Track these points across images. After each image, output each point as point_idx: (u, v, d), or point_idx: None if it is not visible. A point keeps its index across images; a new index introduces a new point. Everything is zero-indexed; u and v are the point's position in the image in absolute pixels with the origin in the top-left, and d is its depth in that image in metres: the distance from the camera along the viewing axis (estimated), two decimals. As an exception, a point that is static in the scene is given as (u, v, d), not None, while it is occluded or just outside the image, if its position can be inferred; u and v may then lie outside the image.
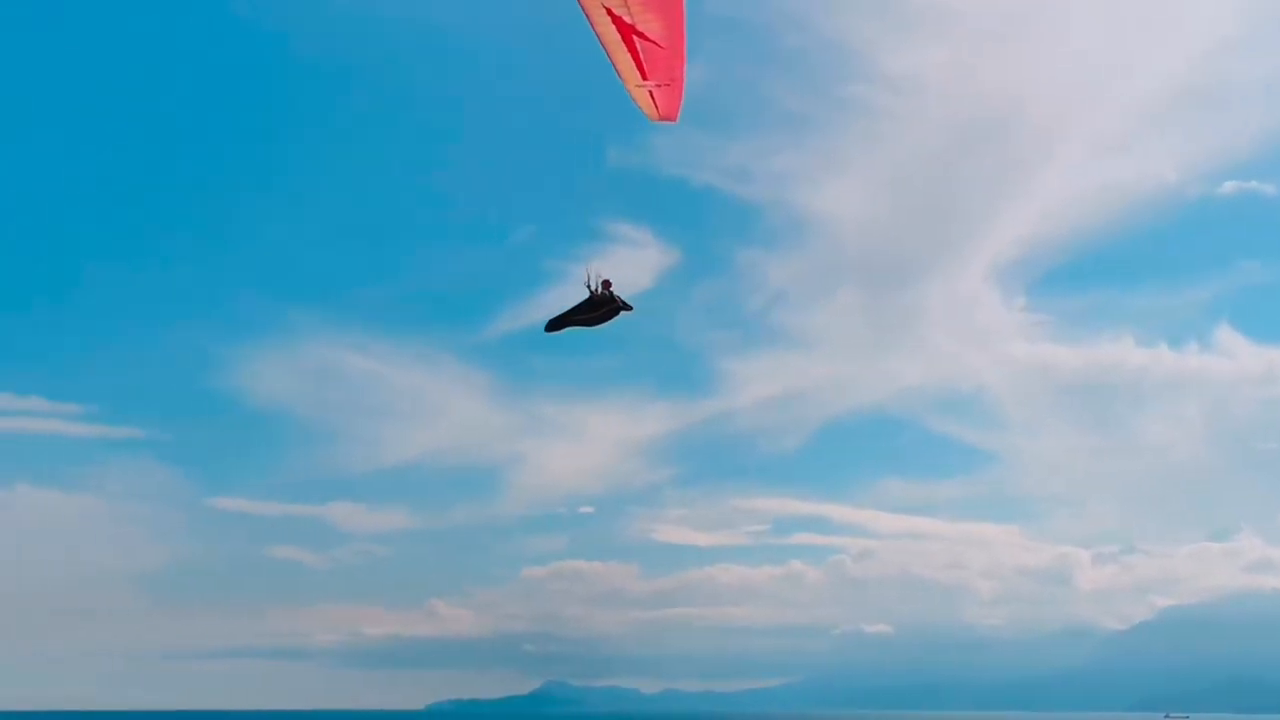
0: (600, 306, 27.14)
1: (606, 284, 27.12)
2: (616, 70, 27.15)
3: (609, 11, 26.16)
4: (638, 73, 26.99)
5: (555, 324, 27.39)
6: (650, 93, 27.31)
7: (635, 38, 26.72)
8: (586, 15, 26.22)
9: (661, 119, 27.76)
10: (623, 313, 27.66)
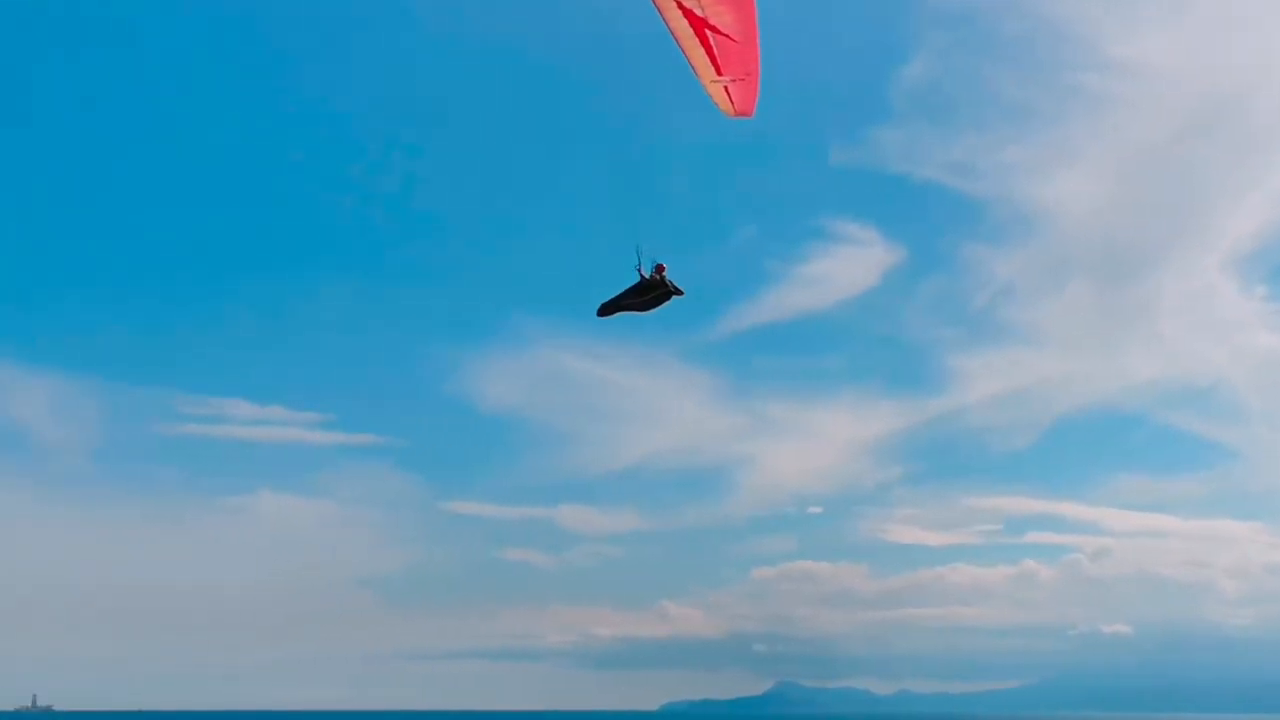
0: (650, 290, 26.41)
1: (660, 268, 26.41)
2: (691, 66, 26.26)
3: (679, 5, 25.29)
4: (713, 68, 26.04)
5: (607, 308, 26.77)
6: (726, 88, 26.34)
7: (708, 31, 25.78)
8: (658, 9, 25.39)
9: (738, 114, 26.76)
10: (674, 297, 26.98)
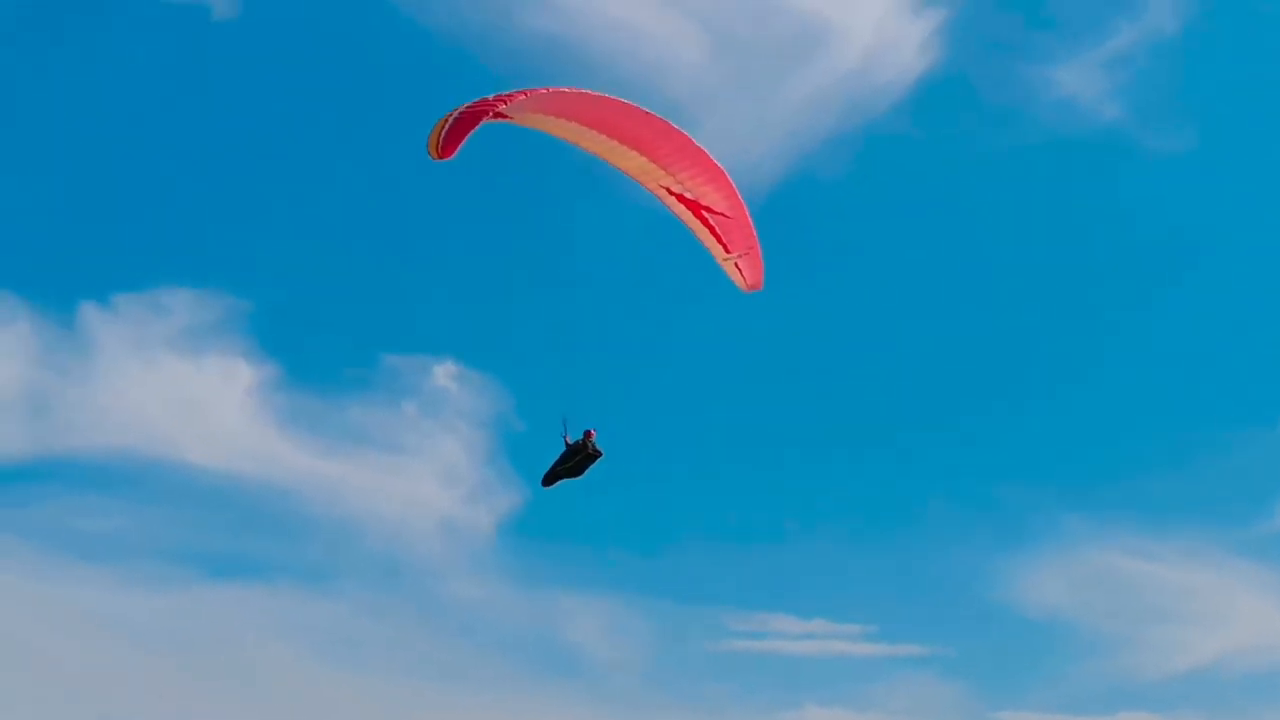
0: (575, 455, 27.35)
1: (588, 434, 27.34)
2: (706, 248, 27.59)
3: (669, 191, 26.80)
4: (721, 247, 27.19)
5: (548, 480, 27.71)
6: (736, 264, 27.44)
7: (704, 212, 27.11)
8: (660, 199, 26.96)
9: (749, 289, 27.70)
10: (597, 460, 27.73)
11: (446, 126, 23.07)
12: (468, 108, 23.36)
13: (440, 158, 23.06)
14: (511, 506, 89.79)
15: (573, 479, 26.93)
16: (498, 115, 23.79)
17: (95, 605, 77.61)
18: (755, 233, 26.94)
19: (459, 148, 22.95)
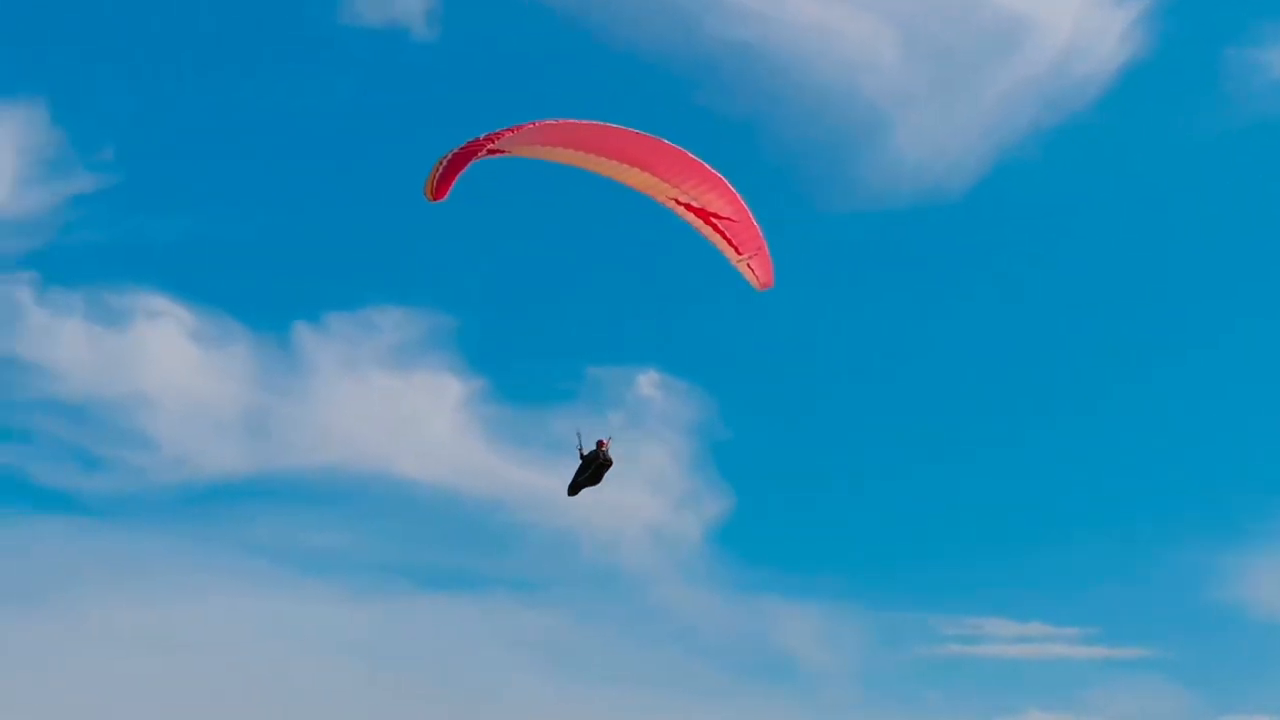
0: (590, 465, 29.15)
1: (600, 443, 29.10)
2: (721, 251, 29.27)
3: (678, 202, 28.50)
4: (734, 250, 28.89)
5: (572, 489, 29.58)
6: (749, 264, 29.10)
7: (713, 219, 28.74)
8: (673, 210, 28.69)
9: (762, 287, 29.32)
10: (610, 468, 29.47)
11: (440, 169, 25.23)
12: (459, 149, 25.48)
13: (434, 200, 25.19)
14: (719, 513, 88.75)
15: (592, 486, 28.94)
16: (491, 152, 25.84)
17: (316, 618, 77.66)
18: (762, 234, 28.58)
19: (451, 188, 25.12)
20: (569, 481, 29.05)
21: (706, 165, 27.79)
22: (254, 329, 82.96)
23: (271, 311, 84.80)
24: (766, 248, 28.78)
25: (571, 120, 26.83)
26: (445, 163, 25.34)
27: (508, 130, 25.84)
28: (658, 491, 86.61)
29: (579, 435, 28.75)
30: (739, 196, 28.08)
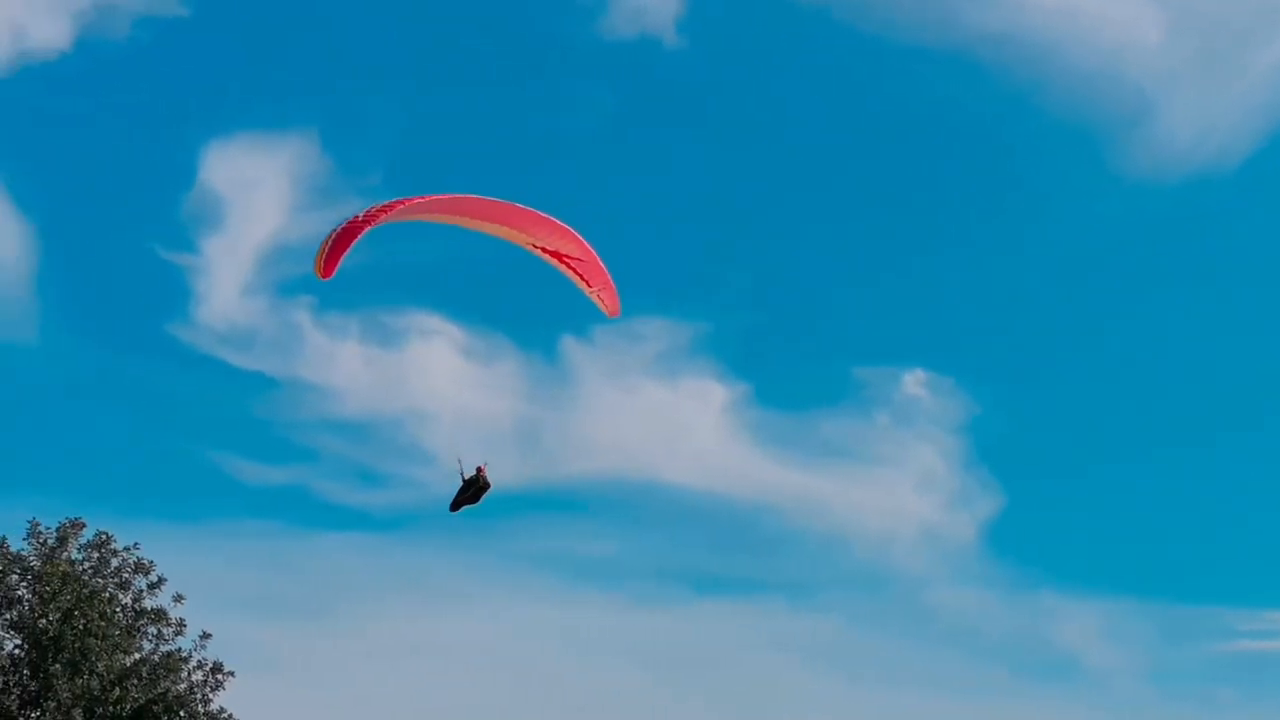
0: (470, 487, 33.25)
1: (480, 469, 32.86)
2: (575, 284, 34.40)
3: (534, 246, 33.55)
4: (585, 283, 34.03)
5: (454, 507, 33.59)
6: (598, 296, 34.24)
7: (565, 260, 33.79)
8: (532, 253, 33.83)
9: (611, 314, 34.41)
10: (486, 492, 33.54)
11: (327, 247, 29.97)
12: (342, 227, 30.23)
13: (323, 277, 30.00)
14: (992, 511, 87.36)
15: (472, 506, 33.58)
16: (370, 223, 30.65)
17: (594, 625, 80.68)
18: (607, 271, 33.92)
19: (339, 265, 29.95)
20: (451, 500, 33.58)
21: (556, 220, 33.03)
22: (521, 345, 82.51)
23: (538, 326, 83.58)
24: (612, 282, 34.14)
25: (441, 196, 31.89)
26: (331, 241, 30.10)
27: (383, 209, 30.74)
28: (928, 491, 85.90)
29: (460, 461, 32.75)
30: (585, 243, 33.36)
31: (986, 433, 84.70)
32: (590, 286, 34.09)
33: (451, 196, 32.24)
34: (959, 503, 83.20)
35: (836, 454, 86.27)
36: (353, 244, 30.28)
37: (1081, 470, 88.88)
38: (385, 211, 30.87)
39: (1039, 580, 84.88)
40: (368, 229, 30.72)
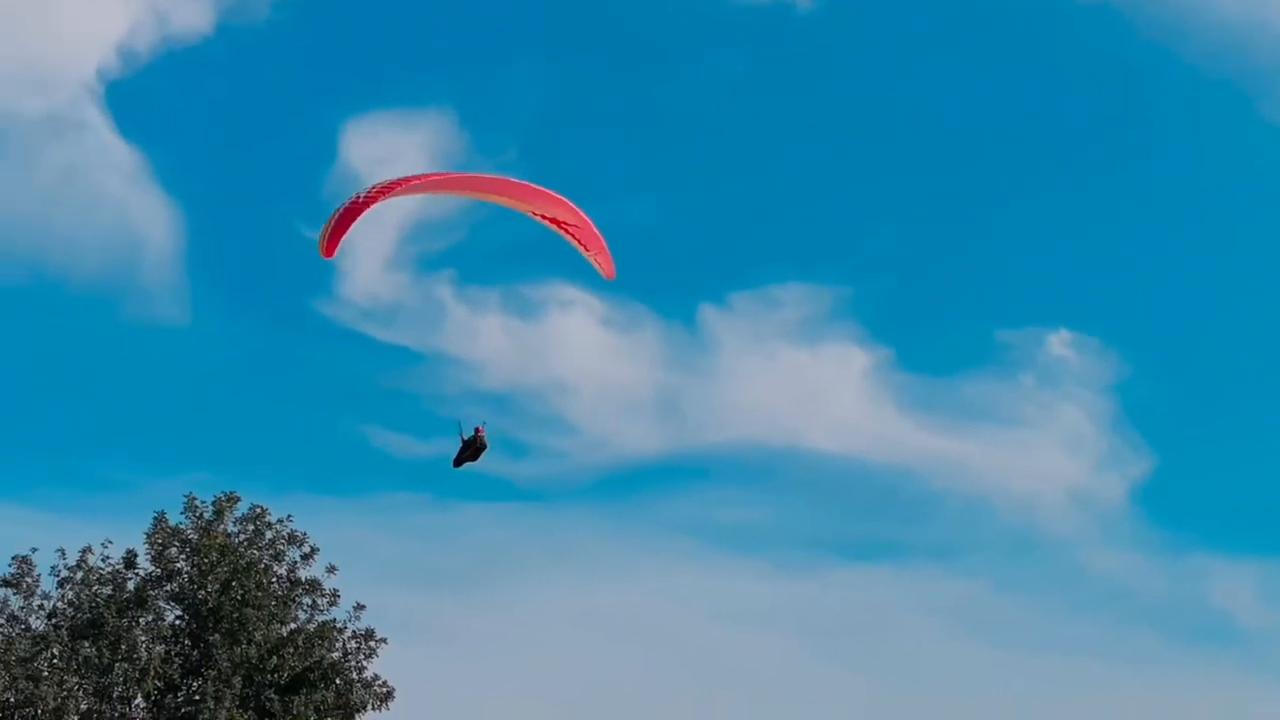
0: (469, 447, 35.41)
1: (478, 430, 32.78)
2: (574, 247, 36.65)
3: (533, 213, 35.74)
4: (582, 247, 36.27)
5: (456, 464, 35.47)
6: (595, 260, 36.46)
7: (563, 226, 35.93)
8: (533, 219, 36.09)
9: (608, 277, 36.61)
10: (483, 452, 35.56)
11: (330, 227, 32.41)
12: (344, 206, 32.64)
13: (326, 257, 32.47)
14: (1143, 472, 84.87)
15: (472, 462, 35.80)
16: (370, 202, 33.03)
17: (740, 592, 79.44)
18: (602, 237, 36.25)
19: (339, 245, 32.41)
20: (452, 458, 35.78)
21: (553, 192, 35.40)
22: (661, 313, 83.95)
23: (677, 295, 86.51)
24: (607, 246, 36.50)
25: (442, 174, 34.32)
26: (333, 221, 32.52)
27: (384, 188, 33.18)
28: (1075, 453, 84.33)
29: (460, 423, 34.95)
30: (580, 211, 35.71)
31: (1135, 394, 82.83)
32: (588, 250, 36.47)
33: (451, 174, 34.67)
34: (1108, 464, 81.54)
35: (980, 417, 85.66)
36: (353, 224, 32.74)
37: (1233, 431, 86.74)
38: (386, 191, 33.27)
39: (1192, 542, 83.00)
40: (368, 209, 33.24)
